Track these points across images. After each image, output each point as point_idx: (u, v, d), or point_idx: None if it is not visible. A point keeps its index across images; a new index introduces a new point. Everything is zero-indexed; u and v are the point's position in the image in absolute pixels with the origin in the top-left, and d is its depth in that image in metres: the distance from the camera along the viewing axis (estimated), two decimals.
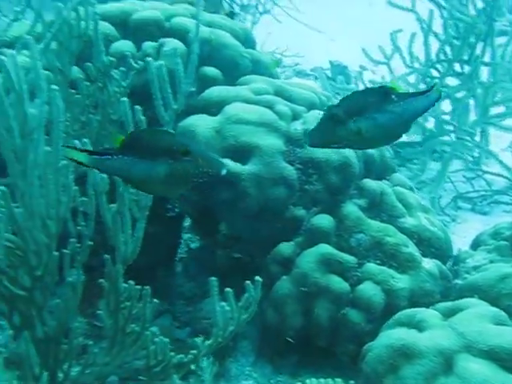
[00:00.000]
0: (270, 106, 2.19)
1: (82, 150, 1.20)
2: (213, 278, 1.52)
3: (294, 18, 4.75)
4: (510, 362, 1.57)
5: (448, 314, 1.79)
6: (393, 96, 1.20)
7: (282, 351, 2.12)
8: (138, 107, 1.46)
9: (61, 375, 1.69)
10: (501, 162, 3.26)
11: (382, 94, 1.20)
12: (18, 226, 1.42)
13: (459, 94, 3.37)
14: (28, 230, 1.43)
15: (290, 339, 2.09)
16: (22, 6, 1.63)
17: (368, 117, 1.19)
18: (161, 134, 1.24)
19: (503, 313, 1.78)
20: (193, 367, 1.68)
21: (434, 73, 3.37)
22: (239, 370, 2.10)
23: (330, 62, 4.05)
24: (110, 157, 1.20)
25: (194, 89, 1.55)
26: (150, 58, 1.47)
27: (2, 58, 1.28)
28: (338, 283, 2.02)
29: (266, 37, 3.39)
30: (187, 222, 2.51)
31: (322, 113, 2.27)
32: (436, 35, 3.28)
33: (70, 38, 1.77)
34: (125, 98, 1.46)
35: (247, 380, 2.07)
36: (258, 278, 1.53)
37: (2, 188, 1.34)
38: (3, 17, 4.37)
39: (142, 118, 1.49)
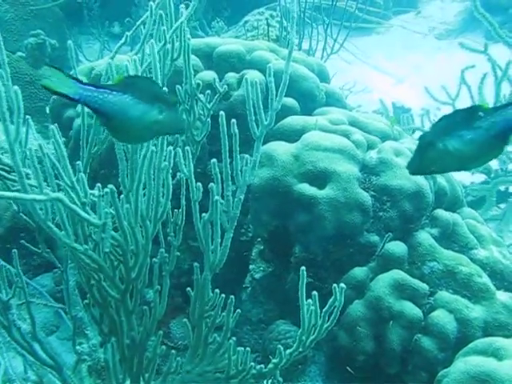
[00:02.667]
0: (346, 135, 2.26)
1: (69, 76, 1.12)
2: (302, 268, 1.56)
3: (359, 58, 4.91)
4: None
5: None
6: (480, 112, 1.21)
7: (349, 378, 2.12)
8: (234, 120, 1.54)
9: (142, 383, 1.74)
10: None
11: (469, 112, 1.22)
12: (121, 224, 1.51)
13: None
14: (130, 228, 1.52)
15: (350, 370, 2.10)
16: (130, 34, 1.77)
17: (454, 135, 1.21)
18: (152, 82, 1.27)
19: None
20: None
21: None
22: None
23: (393, 104, 4.13)
24: (109, 91, 1.16)
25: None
26: (247, 76, 1.55)
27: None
28: (411, 309, 2.03)
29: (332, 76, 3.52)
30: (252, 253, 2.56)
31: (396, 143, 2.30)
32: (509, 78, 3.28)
33: (165, 60, 1.90)
34: (222, 112, 1.55)
35: None
36: (342, 284, 1.56)
37: (111, 186, 1.43)
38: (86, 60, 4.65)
39: (236, 131, 1.56)
